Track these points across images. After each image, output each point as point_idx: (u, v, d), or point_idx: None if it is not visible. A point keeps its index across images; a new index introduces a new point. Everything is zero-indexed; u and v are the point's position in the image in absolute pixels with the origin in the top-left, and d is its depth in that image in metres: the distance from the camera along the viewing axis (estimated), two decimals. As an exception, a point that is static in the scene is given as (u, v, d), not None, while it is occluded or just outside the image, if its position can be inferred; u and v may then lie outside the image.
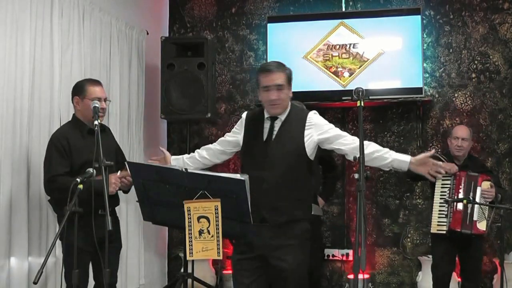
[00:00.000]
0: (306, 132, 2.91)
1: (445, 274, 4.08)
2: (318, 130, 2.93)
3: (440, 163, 2.94)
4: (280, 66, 2.94)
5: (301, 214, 2.92)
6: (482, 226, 3.88)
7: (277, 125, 2.93)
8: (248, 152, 2.98)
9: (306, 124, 2.92)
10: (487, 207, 3.88)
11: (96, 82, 3.32)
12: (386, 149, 2.89)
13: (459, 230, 3.86)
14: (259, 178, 2.81)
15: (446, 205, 3.93)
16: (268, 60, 5.10)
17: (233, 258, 3.02)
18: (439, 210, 3.97)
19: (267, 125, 2.95)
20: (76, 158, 3.14)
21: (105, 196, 2.70)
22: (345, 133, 2.96)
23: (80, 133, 3.22)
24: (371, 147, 2.88)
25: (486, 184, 3.88)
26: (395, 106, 5.16)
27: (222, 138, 3.16)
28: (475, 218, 3.85)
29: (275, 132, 2.92)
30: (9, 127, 3.38)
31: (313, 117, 2.96)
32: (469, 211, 3.86)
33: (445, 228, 3.92)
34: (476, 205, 3.84)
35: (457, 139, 4.05)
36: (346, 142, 2.90)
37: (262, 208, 2.80)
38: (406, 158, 2.85)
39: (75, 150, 3.15)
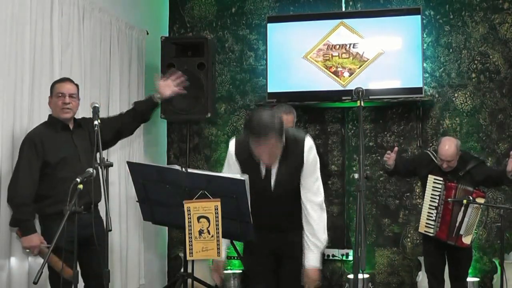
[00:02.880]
0: (304, 162, 2.78)
1: (435, 271, 4.11)
2: (305, 163, 2.79)
3: None
4: (270, 125, 2.60)
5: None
6: (467, 240, 3.90)
7: (274, 167, 2.79)
8: (250, 184, 2.81)
9: (304, 153, 2.78)
10: (476, 223, 3.90)
11: (63, 79, 3.35)
12: (315, 242, 2.79)
13: (444, 240, 3.93)
14: (264, 209, 2.78)
15: (435, 210, 3.94)
16: (268, 60, 5.12)
17: (244, 256, 3.08)
18: (428, 212, 3.99)
19: (262, 168, 2.80)
20: (51, 156, 3.13)
21: (105, 197, 2.70)
22: (316, 188, 2.83)
23: (54, 130, 3.23)
24: (313, 226, 2.79)
25: (479, 201, 3.85)
26: (395, 106, 5.16)
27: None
28: (461, 232, 3.88)
29: (274, 174, 2.80)
30: (9, 127, 3.38)
31: (309, 147, 2.81)
32: (457, 224, 3.87)
33: (432, 231, 3.98)
34: (465, 219, 3.85)
35: (443, 160, 3.94)
36: (307, 190, 2.81)
37: (268, 228, 2.83)
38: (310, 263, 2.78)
39: (49, 148, 3.14)
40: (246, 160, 2.80)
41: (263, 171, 2.80)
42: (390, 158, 4.07)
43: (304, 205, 2.82)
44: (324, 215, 2.85)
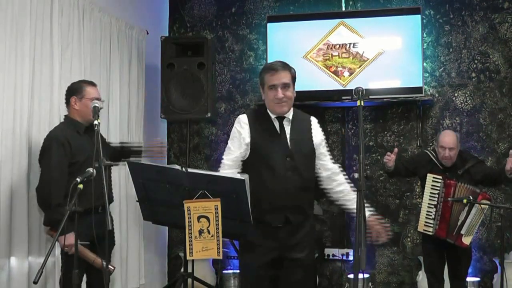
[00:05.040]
0: (313, 133, 2.99)
1: (435, 271, 4.11)
2: (317, 134, 3.03)
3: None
4: (286, 65, 2.97)
5: (311, 211, 3.04)
6: (467, 240, 3.89)
7: (287, 125, 2.94)
8: (265, 153, 2.90)
9: (312, 124, 3.01)
10: (478, 224, 3.89)
11: (93, 83, 3.38)
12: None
13: (444, 238, 3.92)
14: (283, 179, 2.84)
15: (434, 208, 3.94)
16: (268, 60, 5.12)
17: (247, 264, 2.99)
18: (427, 211, 3.99)
19: (276, 124, 2.93)
20: (77, 158, 3.17)
21: (105, 196, 2.70)
22: (331, 156, 3.09)
23: (76, 132, 3.25)
24: (343, 186, 3.00)
25: (484, 203, 3.84)
26: (395, 105, 5.16)
27: (230, 158, 2.93)
28: (463, 231, 3.87)
29: (287, 132, 2.93)
30: (9, 127, 3.38)
31: (316, 121, 3.07)
32: (459, 223, 3.87)
33: (431, 229, 3.97)
34: (468, 220, 3.85)
35: (444, 148, 3.94)
36: (326, 164, 3.03)
37: (287, 209, 2.86)
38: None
39: (76, 150, 3.18)
40: (259, 123, 2.91)
41: (279, 132, 2.92)
42: (390, 160, 4.04)
43: (329, 173, 3.00)
44: None
